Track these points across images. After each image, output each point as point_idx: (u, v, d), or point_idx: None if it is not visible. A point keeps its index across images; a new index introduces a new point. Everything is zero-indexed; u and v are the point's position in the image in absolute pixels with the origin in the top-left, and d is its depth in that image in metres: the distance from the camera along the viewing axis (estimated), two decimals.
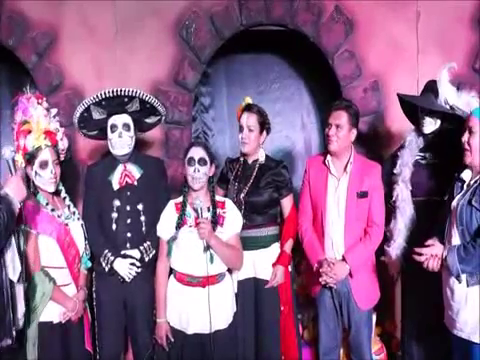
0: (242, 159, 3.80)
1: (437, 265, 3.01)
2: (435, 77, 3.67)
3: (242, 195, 3.67)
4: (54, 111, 3.43)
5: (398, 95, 3.75)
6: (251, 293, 3.65)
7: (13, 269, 2.88)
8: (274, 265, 3.66)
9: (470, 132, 3.07)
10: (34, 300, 3.12)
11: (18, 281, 2.92)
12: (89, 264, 3.50)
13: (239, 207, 3.60)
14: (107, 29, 4.46)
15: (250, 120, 3.68)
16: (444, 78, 3.60)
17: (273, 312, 3.66)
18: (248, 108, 3.73)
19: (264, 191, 3.67)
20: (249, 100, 3.79)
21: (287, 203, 3.75)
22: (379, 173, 3.62)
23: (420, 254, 3.03)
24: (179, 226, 3.34)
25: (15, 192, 2.81)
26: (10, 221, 2.73)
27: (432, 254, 3.01)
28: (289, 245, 3.70)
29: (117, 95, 3.48)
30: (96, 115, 3.55)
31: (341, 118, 3.54)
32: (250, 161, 3.77)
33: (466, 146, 3.07)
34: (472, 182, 3.07)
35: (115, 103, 3.52)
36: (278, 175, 3.71)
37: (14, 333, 2.87)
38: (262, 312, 3.63)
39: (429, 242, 3.07)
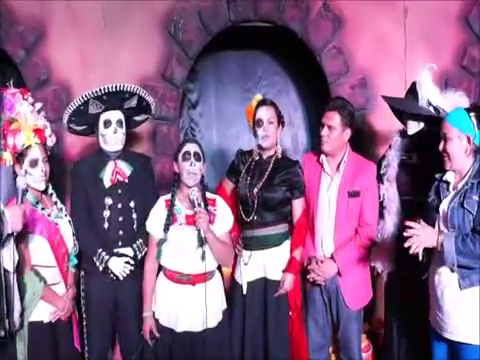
0: (257, 153, 3.67)
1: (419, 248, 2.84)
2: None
3: (255, 190, 3.57)
4: (39, 105, 3.35)
5: (383, 97, 3.70)
6: (260, 294, 3.57)
7: (10, 259, 2.85)
8: (284, 272, 3.55)
9: (445, 139, 3.03)
10: (25, 300, 3.08)
11: (14, 272, 2.89)
12: (75, 261, 3.47)
13: (251, 202, 3.56)
14: (95, 24, 4.42)
15: (269, 113, 3.57)
16: (425, 79, 3.52)
17: (282, 316, 3.57)
18: (264, 102, 3.63)
19: (278, 188, 3.56)
20: (260, 97, 3.67)
21: (298, 206, 3.62)
22: (373, 172, 3.57)
23: (410, 227, 2.87)
24: (167, 227, 3.31)
25: (13, 220, 2.80)
26: None
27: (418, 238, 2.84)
28: (299, 252, 3.58)
29: (120, 90, 3.46)
30: (93, 109, 3.48)
31: (334, 119, 3.49)
32: (265, 156, 3.65)
33: (444, 153, 3.05)
34: (460, 186, 3.02)
35: (116, 98, 3.50)
36: (294, 174, 3.61)
37: (7, 325, 2.85)
38: (271, 315, 3.54)
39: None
